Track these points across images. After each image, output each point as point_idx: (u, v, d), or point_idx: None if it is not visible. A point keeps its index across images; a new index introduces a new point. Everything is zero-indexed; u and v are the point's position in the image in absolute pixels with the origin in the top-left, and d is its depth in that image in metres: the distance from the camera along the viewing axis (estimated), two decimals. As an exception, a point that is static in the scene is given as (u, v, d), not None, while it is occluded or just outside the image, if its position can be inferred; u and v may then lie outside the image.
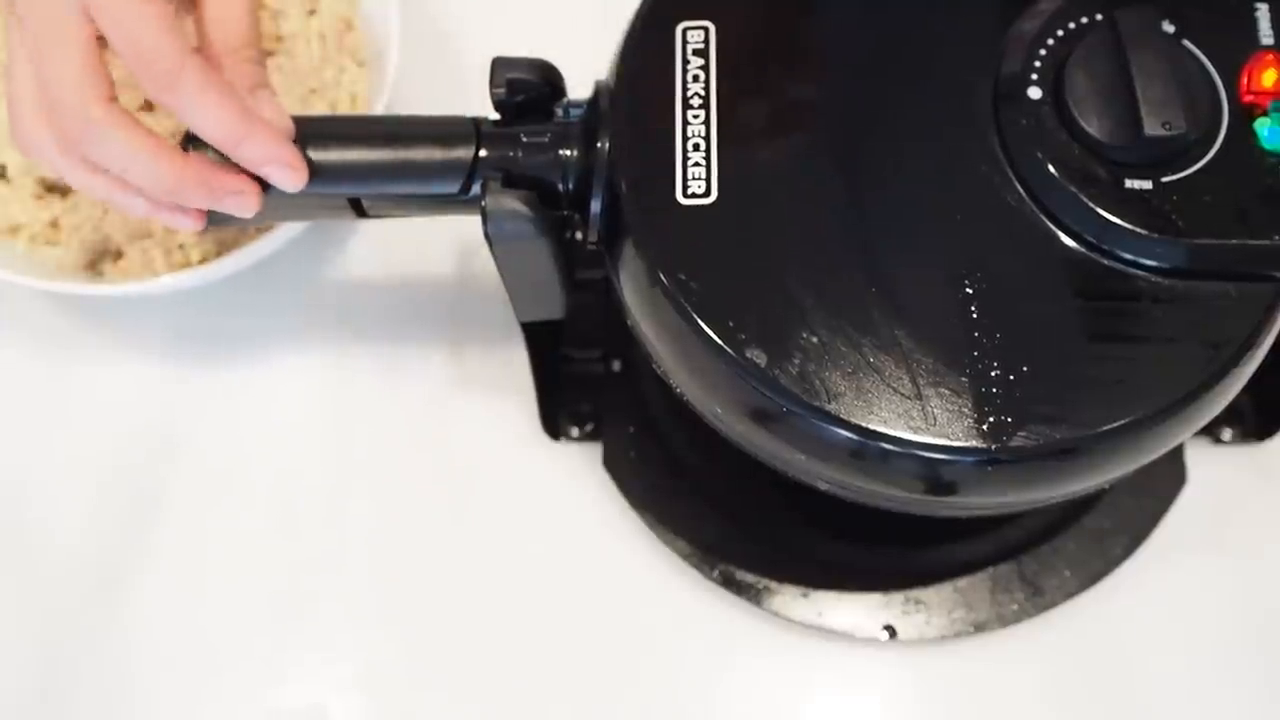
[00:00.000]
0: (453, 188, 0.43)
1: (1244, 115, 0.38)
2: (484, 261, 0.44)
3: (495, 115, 0.43)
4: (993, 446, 0.36)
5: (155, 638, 0.54)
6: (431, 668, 0.53)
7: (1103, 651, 0.53)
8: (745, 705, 0.53)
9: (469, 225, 0.42)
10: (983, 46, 0.40)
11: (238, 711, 0.53)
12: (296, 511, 0.56)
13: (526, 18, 0.63)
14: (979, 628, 0.52)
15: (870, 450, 0.37)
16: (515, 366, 0.56)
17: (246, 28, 0.43)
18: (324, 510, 0.56)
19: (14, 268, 0.53)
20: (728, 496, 0.54)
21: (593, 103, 0.43)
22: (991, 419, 0.36)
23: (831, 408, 0.37)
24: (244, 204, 0.43)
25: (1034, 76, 0.39)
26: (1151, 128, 0.37)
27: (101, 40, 0.41)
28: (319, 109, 0.57)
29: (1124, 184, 0.38)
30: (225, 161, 0.42)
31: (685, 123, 0.40)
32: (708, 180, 0.39)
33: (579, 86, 0.44)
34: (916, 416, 0.37)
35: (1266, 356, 0.39)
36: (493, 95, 0.42)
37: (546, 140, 0.42)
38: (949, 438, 0.36)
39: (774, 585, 0.53)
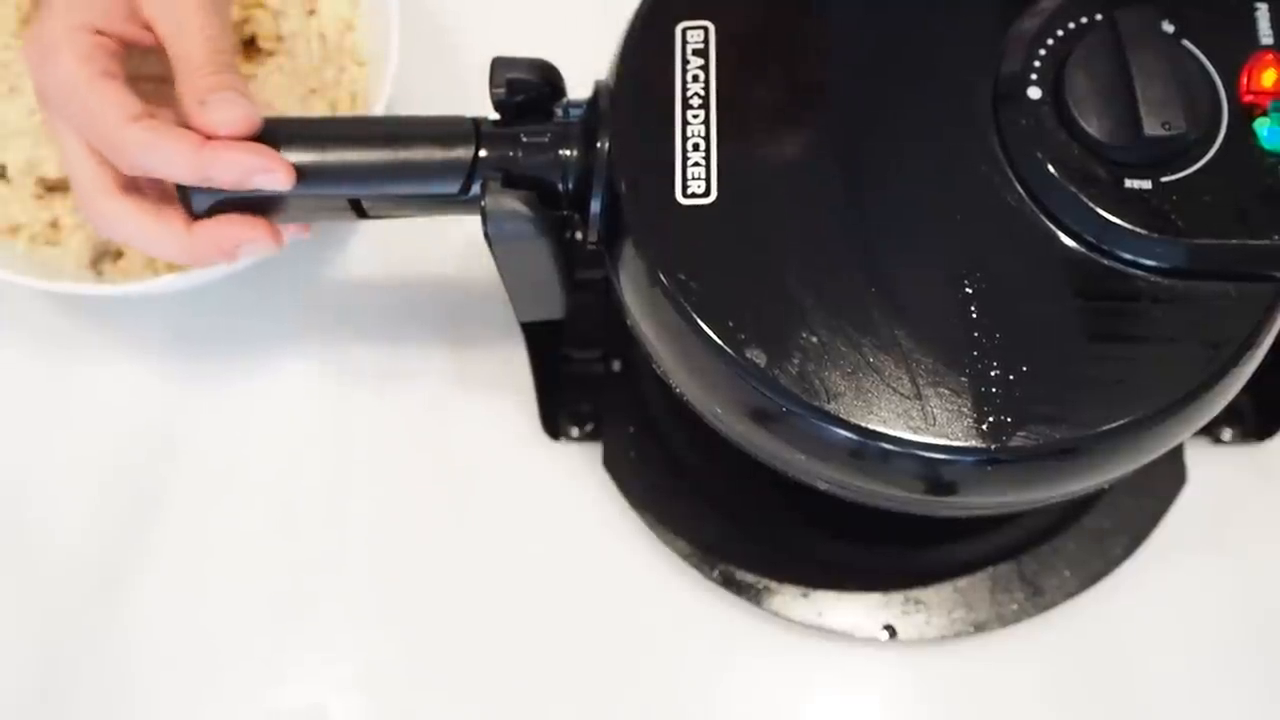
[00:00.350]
0: (453, 188, 0.43)
1: (1244, 115, 0.38)
2: (484, 261, 0.44)
3: (495, 115, 0.43)
4: (993, 446, 0.36)
5: (155, 638, 0.54)
6: (431, 668, 0.53)
7: (1103, 651, 0.53)
8: (745, 705, 0.53)
9: (469, 225, 0.42)
10: (982, 46, 0.40)
11: (238, 711, 0.53)
12: (296, 512, 0.56)
13: (526, 18, 0.63)
14: (979, 628, 0.52)
15: (870, 450, 0.37)
16: (515, 366, 0.56)
17: (193, 44, 0.43)
18: (324, 510, 0.56)
19: (14, 268, 0.53)
20: (728, 496, 0.54)
21: (593, 103, 0.43)
22: (991, 419, 0.36)
23: (831, 408, 0.37)
24: (275, 178, 0.42)
25: (1034, 76, 0.39)
26: (1151, 128, 0.37)
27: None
28: (319, 109, 0.57)
29: (1124, 184, 0.38)
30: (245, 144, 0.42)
31: (685, 123, 0.40)
32: (708, 180, 0.39)
33: (579, 86, 0.44)
34: (916, 416, 0.37)
35: (1266, 356, 0.39)
36: (493, 95, 0.42)
37: (546, 140, 0.42)
38: (949, 438, 0.36)
39: (774, 585, 0.53)
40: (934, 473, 0.37)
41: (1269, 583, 0.53)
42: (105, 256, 0.56)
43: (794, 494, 0.43)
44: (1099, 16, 0.39)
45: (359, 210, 0.44)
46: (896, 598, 0.52)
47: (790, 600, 0.52)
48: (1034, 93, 0.39)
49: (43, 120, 0.46)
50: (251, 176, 0.42)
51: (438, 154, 0.43)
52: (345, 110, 0.57)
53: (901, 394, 0.37)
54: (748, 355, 0.37)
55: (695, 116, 0.40)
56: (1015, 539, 0.53)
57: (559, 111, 0.43)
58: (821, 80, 0.41)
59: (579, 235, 0.43)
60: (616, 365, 0.56)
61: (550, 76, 0.43)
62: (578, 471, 0.56)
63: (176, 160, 0.42)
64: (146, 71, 0.46)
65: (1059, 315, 0.38)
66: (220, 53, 0.43)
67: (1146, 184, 0.37)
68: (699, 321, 0.38)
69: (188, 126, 0.43)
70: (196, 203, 0.43)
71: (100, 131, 0.42)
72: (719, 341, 0.38)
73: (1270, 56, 0.38)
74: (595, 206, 0.41)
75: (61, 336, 0.59)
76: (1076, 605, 0.52)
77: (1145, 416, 0.37)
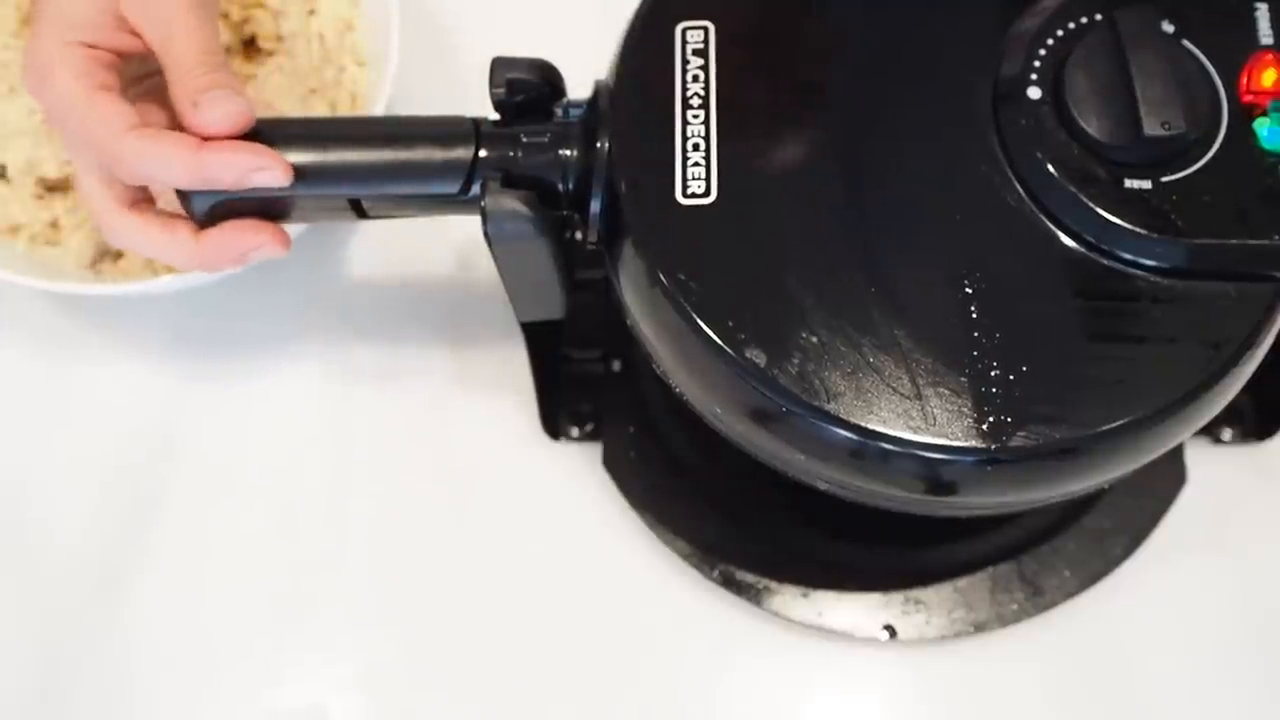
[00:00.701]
0: (453, 188, 0.43)
1: (1244, 115, 0.38)
2: (484, 261, 0.44)
3: (495, 115, 0.43)
4: (993, 446, 0.36)
5: (155, 638, 0.54)
6: (431, 668, 0.53)
7: (1103, 651, 0.53)
8: (745, 705, 0.53)
9: (469, 225, 0.42)
10: (982, 46, 0.40)
11: (238, 711, 0.53)
12: (296, 511, 0.56)
13: (526, 17, 0.63)
14: (979, 628, 0.52)
15: (870, 450, 0.37)
16: (515, 366, 0.56)
17: (184, 47, 0.43)
18: (324, 510, 0.56)
19: (14, 268, 0.53)
20: (728, 496, 0.54)
21: (593, 103, 0.43)
22: (991, 419, 0.36)
23: (831, 408, 0.37)
24: (272, 174, 0.42)
25: (1034, 76, 0.39)
26: (1151, 128, 0.37)
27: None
28: (319, 109, 0.57)
29: (1124, 184, 0.38)
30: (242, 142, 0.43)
31: (685, 123, 0.40)
32: (708, 180, 0.39)
33: (579, 86, 0.44)
34: (916, 416, 0.37)
35: (1266, 356, 0.39)
36: (493, 95, 0.42)
37: (546, 140, 0.42)
38: (949, 438, 0.36)
39: (774, 585, 0.53)
40: (934, 473, 0.37)
41: (1269, 583, 0.53)
42: (105, 256, 0.56)
43: (794, 494, 0.43)
44: (1099, 16, 0.39)
45: (359, 210, 0.44)
46: (896, 598, 0.52)
47: (790, 600, 0.52)
48: (1034, 93, 0.39)
49: (64, 139, 0.47)
50: (249, 175, 0.42)
51: (438, 154, 0.43)
52: (345, 110, 0.57)
53: (901, 394, 0.37)
54: (748, 355, 0.37)
55: (695, 116, 0.40)
56: (1015, 539, 0.53)
57: (559, 111, 0.43)
58: (821, 80, 0.41)
59: (579, 235, 0.43)
60: (616, 365, 0.56)
61: (550, 76, 0.43)
62: (578, 471, 0.56)
63: (174, 165, 0.42)
64: (151, 70, 0.46)
65: (1059, 315, 0.38)
66: (209, 54, 0.43)
67: (1146, 184, 0.37)
68: (699, 321, 0.38)
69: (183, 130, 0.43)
70: (197, 206, 0.43)
71: (99, 145, 0.42)
72: (719, 341, 0.38)
73: (1270, 56, 0.38)
74: (595, 206, 0.41)
75: (61, 336, 0.59)
76: (1076, 605, 0.52)
77: (1145, 416, 0.37)
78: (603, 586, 0.54)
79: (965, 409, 0.37)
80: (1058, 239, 0.38)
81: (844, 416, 0.37)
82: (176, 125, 0.43)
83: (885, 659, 0.53)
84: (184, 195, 0.43)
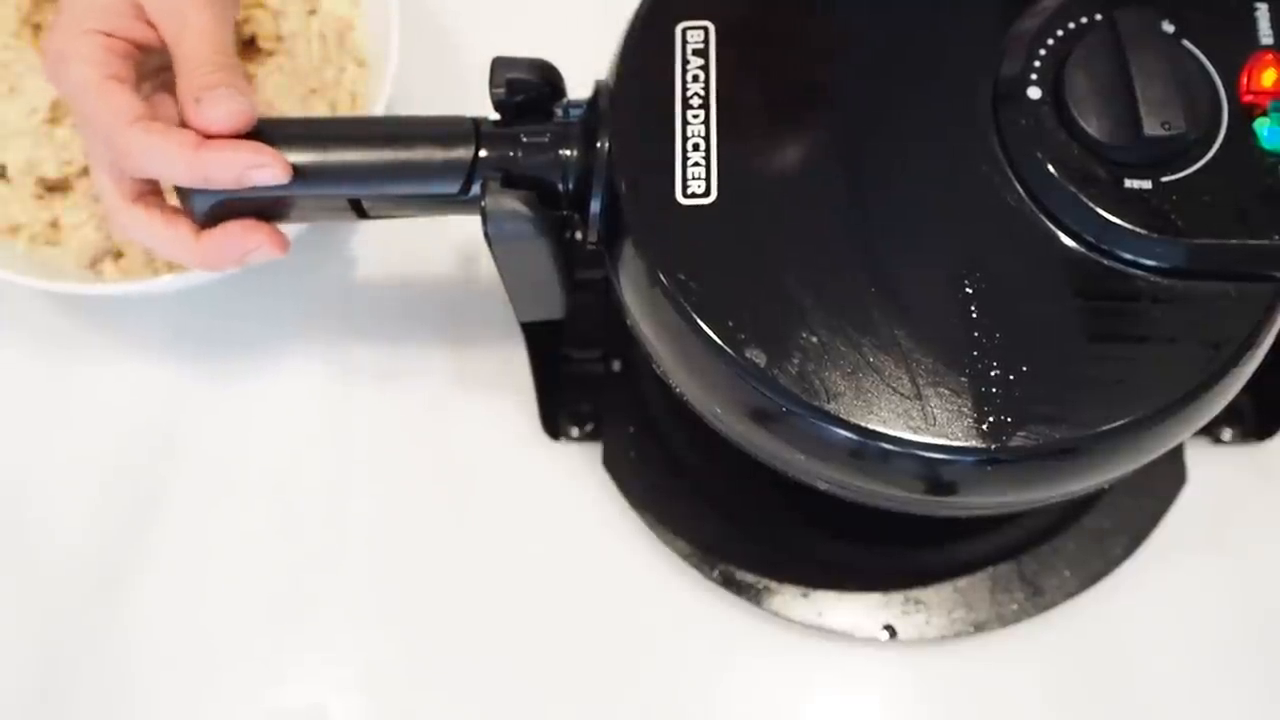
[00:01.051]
0: (453, 188, 0.43)
1: (1244, 115, 0.38)
2: (484, 261, 0.44)
3: (495, 115, 0.43)
4: (993, 446, 0.36)
5: (155, 638, 0.54)
6: (431, 668, 0.53)
7: (1103, 651, 0.53)
8: (745, 705, 0.53)
9: (469, 225, 0.42)
10: (983, 46, 0.40)
11: (238, 711, 0.53)
12: (296, 511, 0.56)
13: (526, 18, 0.63)
14: (979, 628, 0.52)
15: (870, 450, 0.37)
16: (515, 366, 0.56)
17: (196, 44, 0.43)
18: (324, 510, 0.56)
19: (14, 268, 0.53)
20: (728, 496, 0.54)
21: (593, 103, 0.43)
22: (991, 419, 0.36)
23: (831, 408, 0.37)
24: (269, 173, 0.43)
25: (1034, 76, 0.39)
26: (1151, 128, 0.37)
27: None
28: (319, 109, 0.57)
29: (1124, 184, 0.38)
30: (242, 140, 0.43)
31: (685, 123, 0.40)
32: (708, 180, 0.39)
33: (579, 86, 0.44)
34: (916, 416, 0.37)
35: (1266, 356, 0.39)
36: (493, 95, 0.42)
37: (546, 140, 0.42)
38: (949, 438, 0.36)
39: (774, 585, 0.53)
40: (934, 473, 0.37)
41: (1269, 583, 0.53)
42: (105, 256, 0.56)
43: (794, 494, 0.43)
44: (1099, 16, 0.39)
45: (359, 210, 0.44)
46: (896, 598, 0.52)
47: (790, 600, 0.52)
48: (1034, 93, 0.39)
49: (78, 127, 0.47)
50: (247, 173, 0.42)
51: (438, 154, 0.43)
52: (345, 110, 0.57)
53: (901, 394, 0.37)
54: (748, 355, 0.37)
55: (695, 116, 0.40)
56: (1015, 539, 0.53)
57: (559, 111, 0.43)
58: (821, 80, 0.41)
59: (579, 235, 0.43)
60: (616, 365, 0.56)
61: (550, 76, 0.43)
62: (578, 471, 0.56)
63: (174, 161, 0.42)
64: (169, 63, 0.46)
65: (1059, 315, 0.38)
66: (220, 52, 0.44)
67: (1146, 184, 0.38)
68: (699, 321, 0.38)
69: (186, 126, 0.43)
70: (197, 205, 0.43)
71: (105, 135, 0.43)
72: (719, 341, 0.38)
73: (1270, 56, 0.38)
74: (595, 206, 0.41)
75: (61, 336, 0.59)
76: (1076, 605, 0.52)
77: (1145, 416, 0.37)
78: (603, 586, 0.54)
79: (965, 409, 0.37)
80: (1058, 239, 0.38)
81: (844, 416, 0.37)
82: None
83: (885, 659, 0.53)
84: (184, 194, 0.43)
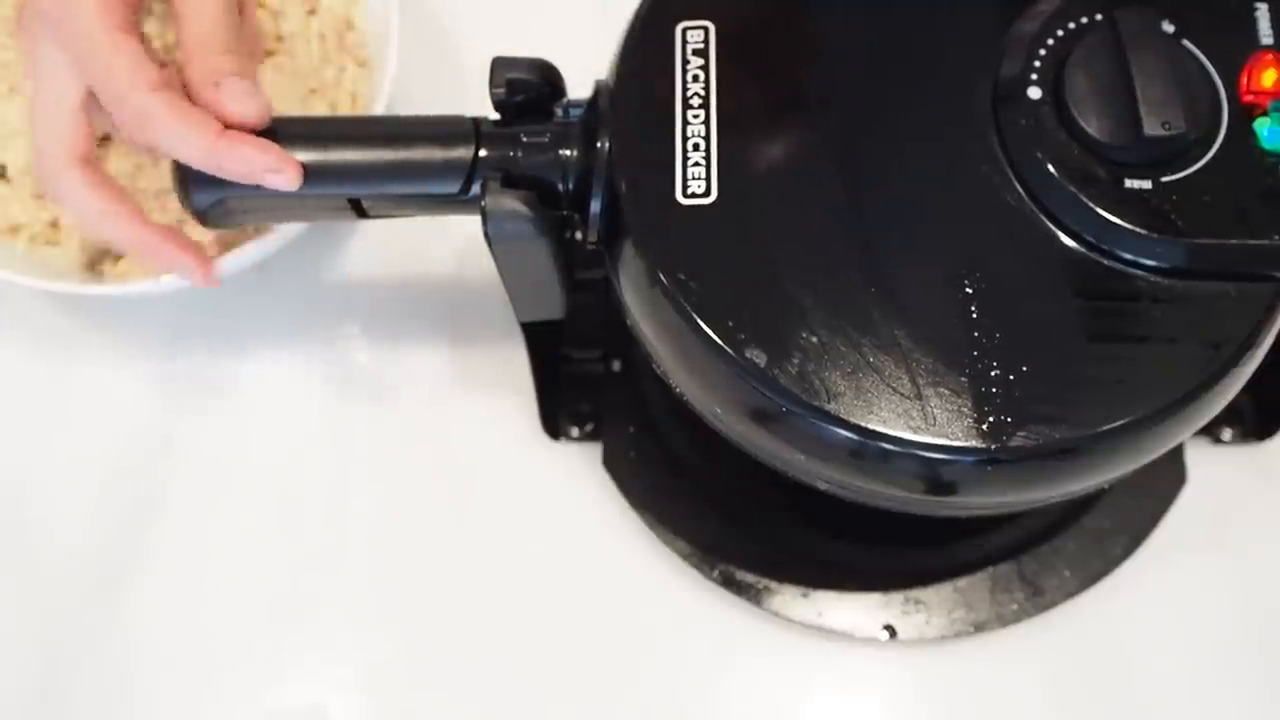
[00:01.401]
0: (453, 188, 0.43)
1: (1244, 115, 0.38)
2: (484, 261, 0.44)
3: (495, 115, 0.43)
4: (993, 446, 0.36)
5: (155, 638, 0.54)
6: (431, 668, 0.53)
7: (1103, 651, 0.53)
8: (745, 705, 0.53)
9: (469, 225, 0.42)
10: (983, 46, 0.40)
11: (238, 711, 0.53)
12: (296, 511, 0.56)
13: (526, 18, 0.63)
14: (979, 628, 0.52)
15: (870, 450, 0.37)
16: (515, 366, 0.56)
17: (214, 26, 0.43)
18: (324, 510, 0.56)
19: (14, 268, 0.53)
20: (728, 496, 0.54)
21: (593, 103, 0.43)
22: (991, 419, 0.36)
23: (831, 408, 0.37)
24: (283, 179, 0.42)
25: (1034, 76, 0.39)
26: (1151, 128, 0.37)
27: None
28: (319, 109, 0.57)
29: (1124, 184, 0.38)
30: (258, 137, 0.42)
31: (685, 123, 0.40)
32: (708, 180, 0.39)
33: (579, 86, 0.44)
34: (916, 416, 0.37)
35: (1266, 356, 0.39)
36: (493, 95, 0.42)
37: (546, 140, 0.42)
38: (949, 438, 0.36)
39: (774, 585, 0.53)
40: (934, 473, 0.37)
41: (1269, 583, 0.53)
42: (105, 257, 0.56)
43: (794, 494, 0.43)
44: (1099, 17, 0.39)
45: (359, 210, 0.44)
46: (896, 598, 0.52)
47: (790, 600, 0.52)
48: (1034, 93, 0.39)
49: (17, 34, 0.45)
50: (261, 174, 0.42)
51: (438, 154, 0.43)
52: (345, 110, 0.57)
53: (901, 394, 0.37)
54: (748, 355, 0.37)
55: (695, 116, 0.40)
56: (1015, 539, 0.53)
57: (559, 111, 0.43)
58: (821, 80, 0.41)
59: (579, 235, 0.43)
60: (616, 365, 0.56)
61: (550, 76, 0.43)
62: (578, 471, 0.56)
63: (194, 143, 0.41)
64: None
65: (1059, 315, 0.38)
66: (234, 36, 0.44)
67: (1146, 184, 0.37)
68: (699, 321, 0.38)
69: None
70: (198, 201, 0.43)
71: (116, 90, 0.41)
72: (719, 341, 0.38)
73: (1270, 56, 0.38)
74: (595, 206, 0.41)
75: (61, 336, 0.59)
76: (1076, 605, 0.52)
77: (1145, 416, 0.37)
78: (603, 586, 0.54)
79: (965, 409, 0.37)
80: (1058, 239, 0.38)
81: (844, 416, 0.37)
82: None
83: (885, 659, 0.53)
84: (184, 190, 0.43)
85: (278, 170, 0.42)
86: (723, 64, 0.41)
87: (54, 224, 0.56)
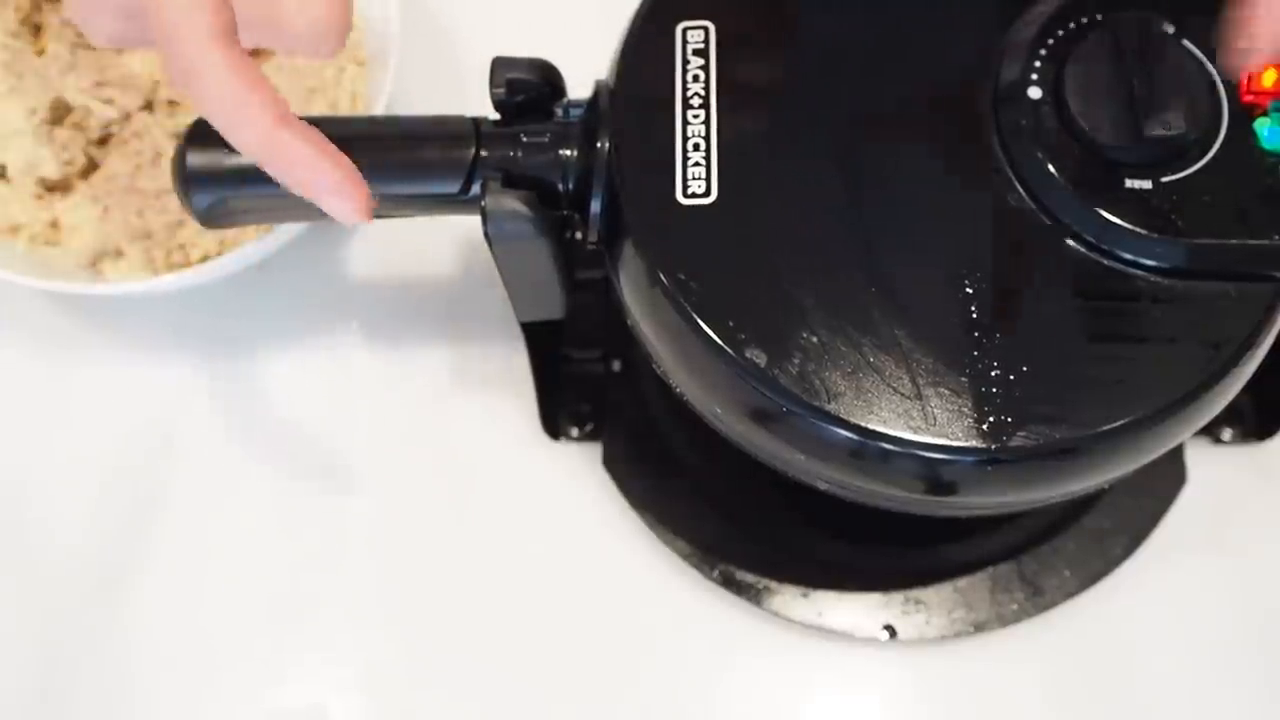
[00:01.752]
0: (453, 188, 0.43)
1: (1244, 115, 0.38)
2: (484, 261, 0.44)
3: (495, 115, 0.43)
4: (993, 446, 0.36)
5: (155, 638, 0.54)
6: (431, 668, 0.53)
7: (1103, 651, 0.53)
8: (745, 705, 0.53)
9: (469, 225, 0.42)
10: (983, 46, 0.40)
11: (238, 711, 0.53)
12: (296, 512, 0.56)
13: (526, 18, 0.63)
14: (979, 628, 0.52)
15: (870, 450, 0.37)
16: (515, 366, 0.56)
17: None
18: (324, 510, 0.56)
19: (14, 268, 0.53)
20: (728, 496, 0.54)
21: (593, 103, 0.43)
22: (991, 419, 0.36)
23: (831, 408, 0.37)
24: (344, 204, 0.34)
25: (1034, 77, 0.39)
26: (1151, 128, 0.37)
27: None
28: (319, 109, 0.57)
29: (1124, 184, 0.38)
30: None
31: (685, 123, 0.40)
32: (708, 180, 0.39)
33: (579, 86, 0.44)
34: (916, 416, 0.37)
35: (1266, 356, 0.39)
36: (493, 95, 0.42)
37: (546, 140, 0.42)
38: (949, 438, 0.36)
39: (774, 585, 0.53)
40: (934, 473, 0.37)
41: (1269, 583, 0.53)
42: (105, 256, 0.56)
43: (794, 494, 0.43)
44: (1099, 17, 0.39)
45: (359, 210, 0.44)
46: (896, 598, 0.52)
47: (790, 600, 0.52)
48: (1034, 93, 0.39)
49: None
50: (321, 192, 0.34)
51: (438, 154, 0.43)
52: (345, 110, 0.57)
53: (901, 394, 0.37)
54: (748, 355, 0.37)
55: (695, 116, 0.40)
56: (1015, 539, 0.53)
57: (559, 111, 0.43)
58: (822, 80, 0.41)
59: (579, 235, 0.43)
60: (616, 365, 0.56)
61: (550, 76, 0.43)
62: (578, 471, 0.56)
63: (245, 122, 0.33)
64: None
65: (1059, 315, 0.38)
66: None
67: (1146, 184, 0.38)
68: (699, 321, 0.38)
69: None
70: (198, 200, 0.43)
71: (165, 25, 0.32)
72: (719, 341, 0.38)
73: (1270, 56, 0.39)
74: (595, 206, 0.41)
75: (61, 336, 0.59)
76: (1076, 605, 0.52)
77: (1145, 416, 0.37)
78: (603, 586, 0.54)
79: (965, 409, 0.37)
80: (1058, 239, 0.38)
81: (844, 416, 0.37)
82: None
83: (885, 659, 0.53)
84: (184, 189, 0.43)
85: (339, 193, 0.34)
86: (723, 64, 0.41)
87: (54, 224, 0.56)
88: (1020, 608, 0.52)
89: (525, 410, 0.56)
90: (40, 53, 0.58)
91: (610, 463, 0.55)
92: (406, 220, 0.47)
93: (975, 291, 0.38)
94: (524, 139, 0.42)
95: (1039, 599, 0.52)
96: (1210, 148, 0.38)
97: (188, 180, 0.43)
